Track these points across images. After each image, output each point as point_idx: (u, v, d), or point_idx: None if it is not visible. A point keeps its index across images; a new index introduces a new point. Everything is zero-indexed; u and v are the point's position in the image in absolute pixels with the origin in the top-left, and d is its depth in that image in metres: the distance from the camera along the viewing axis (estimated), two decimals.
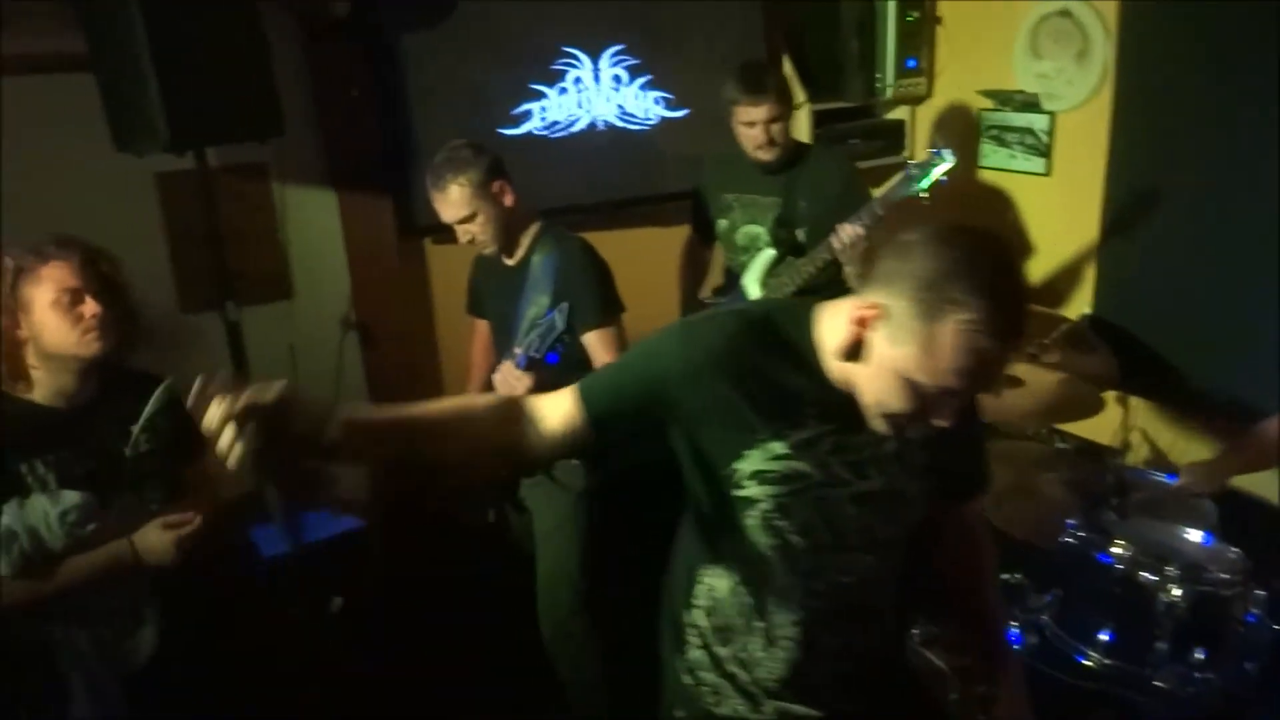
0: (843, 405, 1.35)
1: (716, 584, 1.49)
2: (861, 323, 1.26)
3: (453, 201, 2.41)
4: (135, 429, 2.00)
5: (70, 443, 1.93)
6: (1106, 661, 2.07)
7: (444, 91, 3.23)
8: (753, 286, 2.96)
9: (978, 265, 1.19)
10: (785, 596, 1.45)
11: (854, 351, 1.29)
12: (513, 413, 1.39)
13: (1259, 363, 2.88)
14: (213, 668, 2.13)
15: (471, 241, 2.49)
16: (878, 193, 2.75)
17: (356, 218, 3.31)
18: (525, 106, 3.34)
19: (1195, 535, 2.18)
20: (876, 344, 1.26)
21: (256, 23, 2.53)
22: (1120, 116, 3.24)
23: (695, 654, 1.54)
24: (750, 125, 2.79)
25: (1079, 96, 3.37)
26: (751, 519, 1.40)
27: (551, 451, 1.42)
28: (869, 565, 1.48)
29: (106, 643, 1.96)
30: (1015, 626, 2.25)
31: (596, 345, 2.48)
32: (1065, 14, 3.34)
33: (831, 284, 2.77)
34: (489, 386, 2.67)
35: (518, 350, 2.34)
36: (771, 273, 2.94)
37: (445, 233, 2.56)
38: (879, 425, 1.32)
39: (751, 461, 1.36)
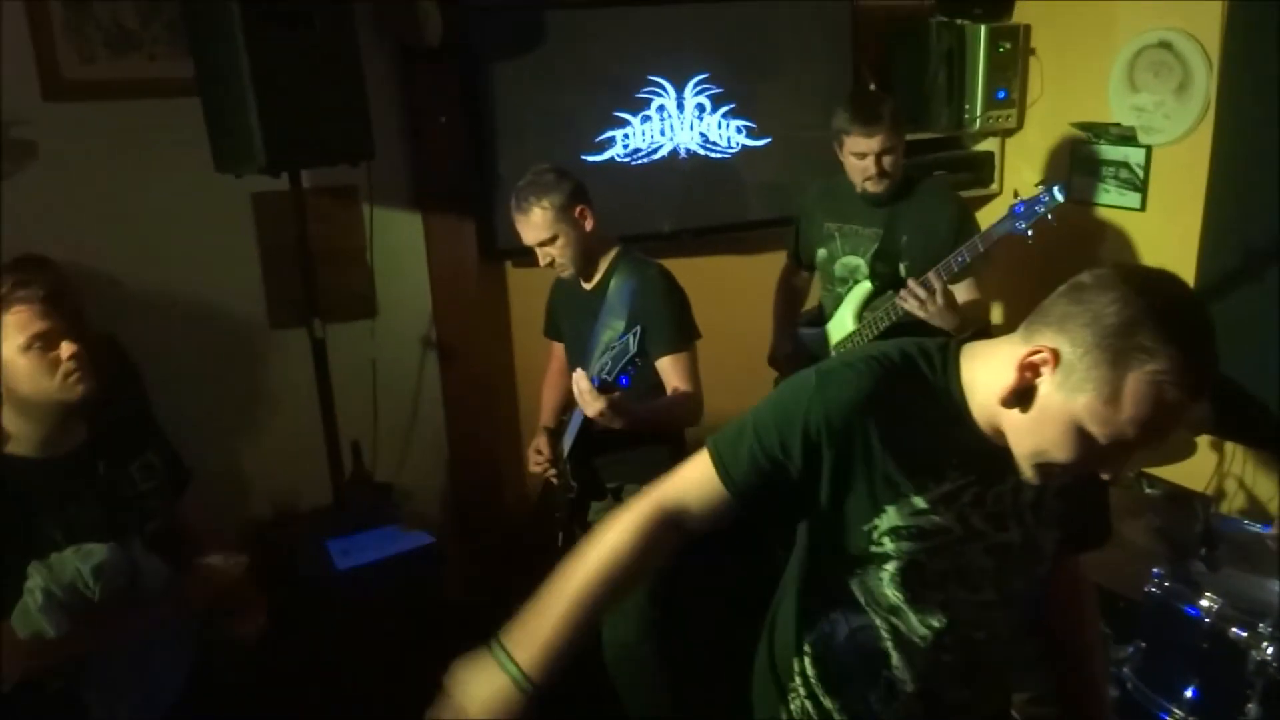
0: (986, 454, 1.29)
1: (834, 630, 1.42)
2: (1032, 369, 1.18)
3: (535, 224, 2.45)
4: (133, 468, 1.97)
5: (72, 494, 1.85)
6: (1191, 719, 1.97)
7: (530, 117, 3.30)
8: (848, 319, 2.93)
9: (1171, 313, 1.12)
10: (913, 649, 1.38)
11: (1020, 398, 1.20)
12: (658, 533, 1.30)
13: None
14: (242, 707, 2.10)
15: (551, 264, 2.53)
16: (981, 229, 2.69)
17: (440, 239, 3.39)
18: (609, 133, 3.38)
19: None
20: (1046, 391, 1.18)
21: (354, 50, 2.63)
22: (1221, 152, 3.12)
23: (800, 703, 1.46)
24: (861, 156, 2.74)
25: (1178, 131, 3.27)
26: (885, 573, 1.35)
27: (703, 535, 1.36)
28: (999, 620, 1.42)
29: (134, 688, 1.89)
30: None
31: (670, 370, 2.49)
32: (1165, 45, 3.25)
33: (927, 322, 2.72)
34: (563, 409, 2.70)
35: (591, 377, 2.35)
36: (868, 306, 2.90)
37: (525, 256, 2.60)
38: (1030, 475, 1.25)
39: (890, 518, 1.30)
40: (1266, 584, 2.11)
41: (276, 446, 3.23)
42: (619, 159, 3.41)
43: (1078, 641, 1.60)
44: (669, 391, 2.49)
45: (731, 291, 3.43)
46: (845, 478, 1.29)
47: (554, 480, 2.70)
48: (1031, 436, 1.21)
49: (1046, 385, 1.17)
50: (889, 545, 1.31)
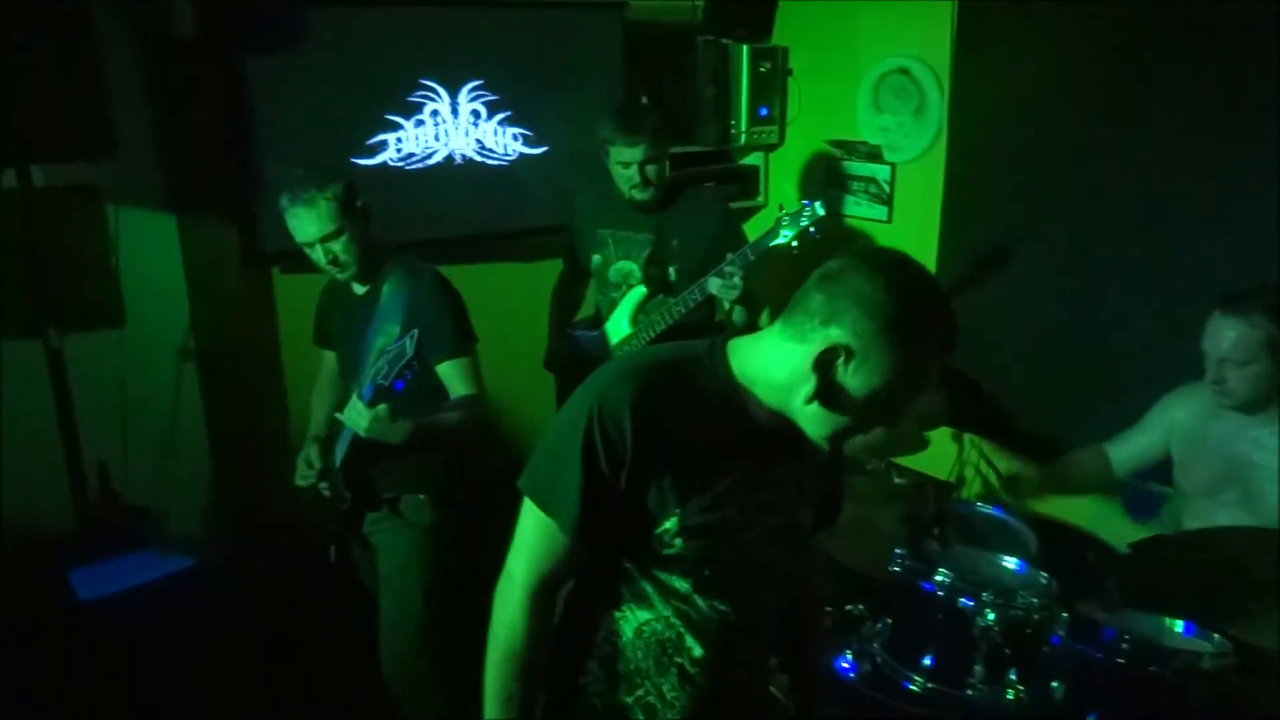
0: (764, 443, 1.36)
1: (620, 627, 1.45)
2: (828, 366, 1.26)
3: (319, 215, 2.32)
4: None
5: None
6: (930, 685, 2.16)
7: (296, 117, 3.16)
8: (623, 322, 3.00)
9: (928, 287, 1.27)
10: (703, 633, 1.43)
11: (825, 395, 1.27)
12: (544, 610, 1.43)
13: (1083, 406, 3.09)
14: None
15: (334, 262, 2.41)
16: (751, 239, 2.84)
17: (198, 243, 3.18)
18: (380, 137, 3.30)
19: (1010, 562, 2.31)
20: (844, 381, 1.26)
21: (87, 37, 2.43)
22: (954, 168, 3.45)
23: (589, 702, 1.48)
24: (626, 165, 2.83)
25: (917, 149, 3.58)
26: (676, 569, 1.40)
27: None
28: (779, 600, 1.52)
29: None
30: (850, 655, 2.33)
31: (453, 375, 2.46)
32: (904, 71, 3.55)
33: (703, 323, 2.84)
34: (333, 421, 2.60)
35: (364, 383, 2.29)
36: (642, 310, 2.98)
37: (293, 260, 2.49)
38: (825, 445, 1.34)
39: (680, 518, 1.35)
40: (990, 557, 2.35)
41: (12, 468, 2.92)
42: (392, 163, 3.33)
43: (805, 614, 1.71)
44: (451, 396, 2.46)
45: (508, 297, 3.43)
46: (639, 485, 1.33)
47: (325, 493, 2.61)
48: (832, 421, 1.29)
49: (844, 376, 1.26)
50: (680, 545, 1.36)
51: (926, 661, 2.18)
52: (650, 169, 2.83)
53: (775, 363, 1.31)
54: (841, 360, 1.24)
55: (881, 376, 1.24)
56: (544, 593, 1.42)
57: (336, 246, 2.38)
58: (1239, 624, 1.85)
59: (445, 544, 2.59)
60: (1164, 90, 2.84)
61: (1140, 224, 2.95)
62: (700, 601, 1.42)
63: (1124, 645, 1.99)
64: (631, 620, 1.44)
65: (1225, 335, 2.25)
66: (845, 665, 2.30)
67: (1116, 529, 2.92)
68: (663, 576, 1.41)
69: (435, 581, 2.57)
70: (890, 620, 2.31)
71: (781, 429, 1.35)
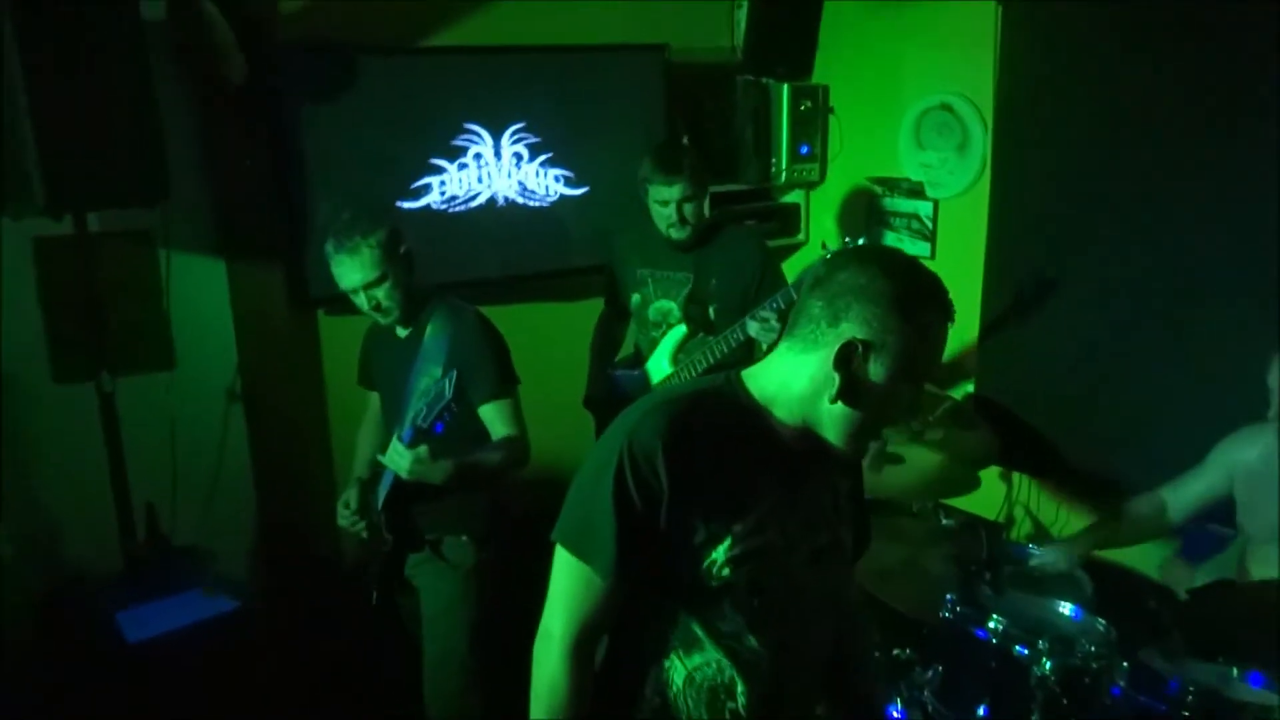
0: (794, 463, 1.38)
1: (670, 677, 1.42)
2: (850, 362, 1.29)
3: (364, 262, 2.35)
4: None
5: None
6: None
7: (342, 162, 3.22)
8: (664, 362, 2.99)
9: (912, 263, 1.34)
10: (755, 671, 1.41)
11: (850, 392, 1.30)
12: (585, 665, 1.40)
13: (1133, 442, 3.01)
14: None
15: (376, 308, 2.43)
16: (791, 278, 2.82)
17: (247, 287, 3.24)
18: (425, 180, 3.35)
19: (1066, 608, 2.24)
20: (867, 374, 1.29)
21: (147, 85, 2.49)
22: (999, 204, 3.42)
23: None
24: (664, 204, 2.85)
25: (960, 185, 3.55)
26: (726, 603, 1.38)
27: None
28: (824, 626, 1.49)
29: None
30: (900, 702, 2.27)
31: (495, 416, 2.46)
32: (946, 108, 3.53)
33: (743, 363, 2.81)
34: (376, 462, 2.61)
35: (405, 425, 2.30)
36: (683, 349, 2.97)
37: (338, 304, 2.51)
38: (851, 449, 1.36)
39: (727, 546, 1.34)
40: (1046, 603, 2.28)
41: (62, 511, 2.97)
42: (435, 206, 3.38)
43: (852, 644, 1.66)
44: (493, 438, 2.46)
45: (550, 337, 3.44)
46: (680, 519, 1.33)
47: (363, 535, 2.61)
48: (856, 420, 1.32)
49: (865, 368, 1.29)
50: (729, 573, 1.35)
51: (981, 711, 2.12)
52: (688, 207, 2.84)
53: (793, 377, 1.34)
54: (860, 352, 1.27)
55: (900, 358, 1.28)
56: (584, 646, 1.40)
57: (380, 293, 2.40)
58: None
59: (488, 585, 2.57)
60: (1211, 125, 2.79)
61: (1189, 259, 2.88)
62: (751, 640, 1.40)
63: (1189, 697, 1.91)
64: (681, 668, 1.41)
65: None
66: (896, 714, 2.24)
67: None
68: (712, 615, 1.39)
69: (479, 623, 2.55)
70: (941, 667, 2.25)
71: (809, 446, 1.37)
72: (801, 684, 1.47)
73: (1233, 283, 2.77)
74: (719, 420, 1.36)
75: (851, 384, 1.29)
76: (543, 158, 3.53)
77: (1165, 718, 1.93)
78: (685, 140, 3.69)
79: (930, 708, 2.22)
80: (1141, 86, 2.95)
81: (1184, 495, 2.54)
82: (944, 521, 3.04)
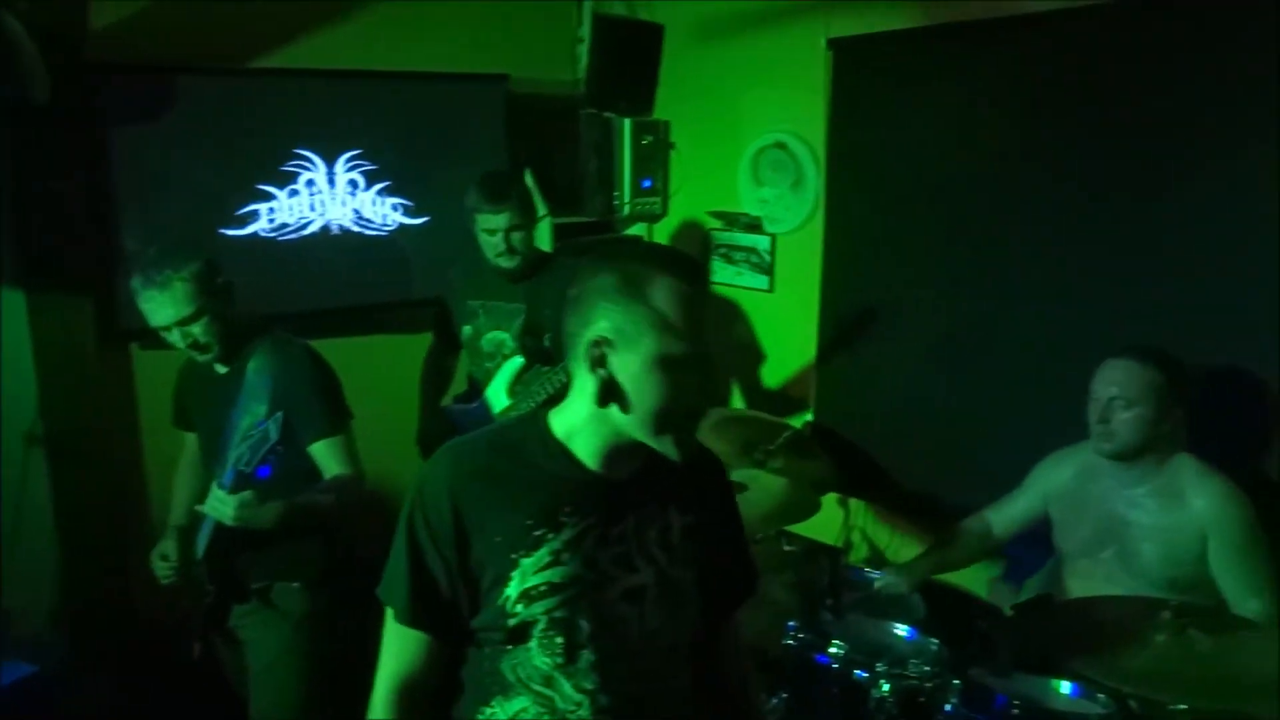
0: (602, 495, 1.36)
1: None
2: (599, 360, 1.29)
3: (175, 297, 2.20)
4: None
5: None
6: None
7: (160, 187, 3.03)
8: (500, 395, 2.93)
9: (639, 249, 1.42)
10: (575, 716, 1.36)
11: (609, 391, 1.30)
12: (407, 712, 1.37)
13: (964, 466, 3.16)
14: None
15: (193, 345, 2.28)
16: None
17: (50, 320, 2.98)
18: (251, 207, 3.19)
19: (901, 630, 2.30)
20: (620, 366, 1.29)
21: None
22: (832, 239, 3.55)
23: None
24: (491, 233, 2.82)
25: (796, 220, 3.67)
26: (532, 642, 1.34)
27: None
28: (657, 673, 1.42)
29: None
30: None
31: (325, 455, 2.34)
32: (781, 146, 3.65)
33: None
34: (194, 509, 2.43)
35: (226, 469, 2.15)
36: (520, 380, 2.92)
37: (153, 337, 2.34)
38: (670, 449, 1.33)
39: (518, 582, 1.32)
40: (883, 626, 2.34)
41: None
42: (264, 234, 3.22)
43: (739, 707, 1.61)
44: (325, 477, 2.34)
45: (389, 371, 3.32)
46: (472, 561, 1.33)
47: (185, 587, 2.42)
48: (640, 409, 1.30)
49: (617, 362, 1.29)
50: (524, 611, 1.32)
51: None
52: (515, 236, 2.83)
53: (578, 403, 1.35)
54: (607, 349, 1.28)
55: (648, 340, 1.27)
56: (404, 699, 1.37)
57: (195, 329, 2.25)
58: (1121, 683, 1.87)
59: (323, 635, 2.43)
60: (1029, 164, 2.98)
61: (1013, 290, 3.06)
62: (565, 684, 1.35)
63: (1015, 711, 1.99)
64: (502, 715, 1.37)
65: (1116, 375, 2.31)
66: None
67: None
68: (522, 657, 1.35)
69: (313, 674, 2.41)
70: (785, 695, 2.27)
71: (627, 479, 1.37)
72: None
73: (1056, 310, 2.94)
74: (516, 459, 1.36)
75: (610, 384, 1.29)
76: (380, 186, 3.43)
77: None
78: (528, 171, 3.67)
79: None
80: (963, 127, 3.13)
81: (1006, 516, 2.68)
82: (786, 548, 3.09)
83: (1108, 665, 1.84)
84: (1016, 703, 2.01)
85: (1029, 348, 3.02)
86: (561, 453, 1.36)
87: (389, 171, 3.44)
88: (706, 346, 1.32)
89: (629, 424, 1.32)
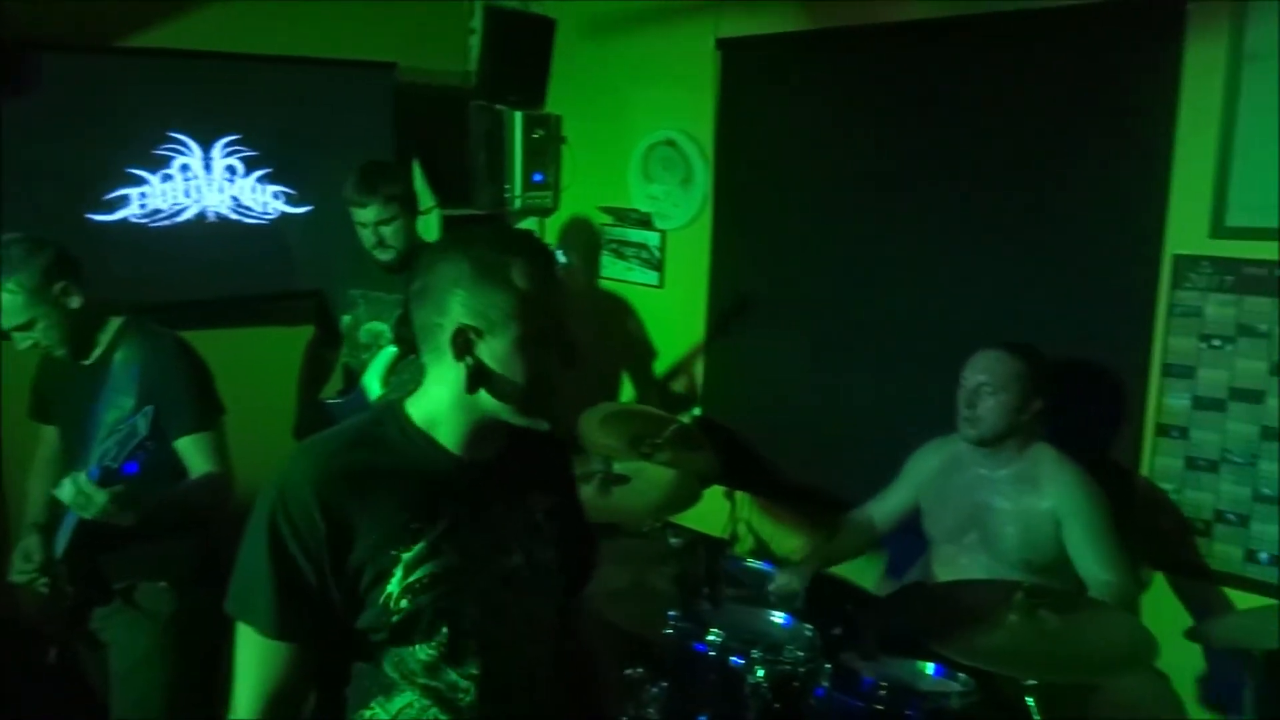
0: (471, 481, 1.35)
1: None
2: (465, 347, 1.29)
3: (4, 308, 2.12)
4: None
5: None
6: None
7: (19, 169, 2.87)
8: (374, 385, 2.88)
9: (488, 235, 1.35)
10: (460, 705, 1.34)
11: (479, 376, 1.30)
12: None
13: (846, 459, 3.25)
14: None
15: (36, 346, 2.20)
16: None
17: None
18: (121, 191, 3.05)
19: (778, 617, 2.37)
20: (486, 350, 1.29)
21: None
22: (720, 237, 3.60)
23: None
24: (363, 226, 2.80)
25: (685, 217, 3.71)
26: (414, 637, 1.31)
27: None
28: (534, 654, 1.43)
29: None
30: None
31: (193, 451, 2.26)
32: (670, 143, 3.69)
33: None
34: (53, 506, 2.32)
35: (91, 464, 2.06)
36: (394, 371, 2.87)
37: None
38: (539, 423, 1.36)
39: (398, 579, 1.29)
40: (759, 614, 2.40)
41: None
42: (134, 220, 3.09)
43: (582, 671, 1.65)
44: (192, 474, 2.26)
45: (270, 364, 3.23)
46: (346, 561, 1.28)
47: (43, 589, 2.31)
48: (510, 391, 1.31)
49: (485, 348, 1.29)
50: (409, 604, 1.30)
51: None
52: (385, 230, 2.81)
53: (442, 391, 1.34)
54: (473, 336, 1.29)
55: (511, 323, 1.28)
56: (274, 713, 1.30)
57: (35, 333, 2.17)
58: (979, 662, 1.97)
59: (192, 636, 2.35)
60: (908, 165, 3.09)
61: (891, 286, 3.16)
62: (450, 673, 1.34)
63: (881, 692, 2.07)
64: (384, 715, 1.34)
65: (984, 363, 2.45)
66: None
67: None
68: (403, 653, 1.33)
69: (178, 680, 2.33)
70: (666, 683, 2.30)
71: (490, 464, 1.37)
72: (517, 712, 1.43)
73: (934, 306, 3.05)
74: (379, 452, 1.32)
75: (479, 370, 1.30)
76: (260, 173, 3.33)
77: (862, 713, 2.08)
78: (416, 162, 3.62)
79: None
80: (846, 128, 3.22)
81: (885, 507, 2.78)
82: (671, 540, 3.13)
83: (967, 646, 1.93)
84: (883, 684, 2.09)
85: (909, 342, 3.12)
86: (426, 442, 1.35)
87: (269, 158, 3.34)
88: (562, 318, 1.34)
89: (497, 406, 1.33)
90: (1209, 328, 2.56)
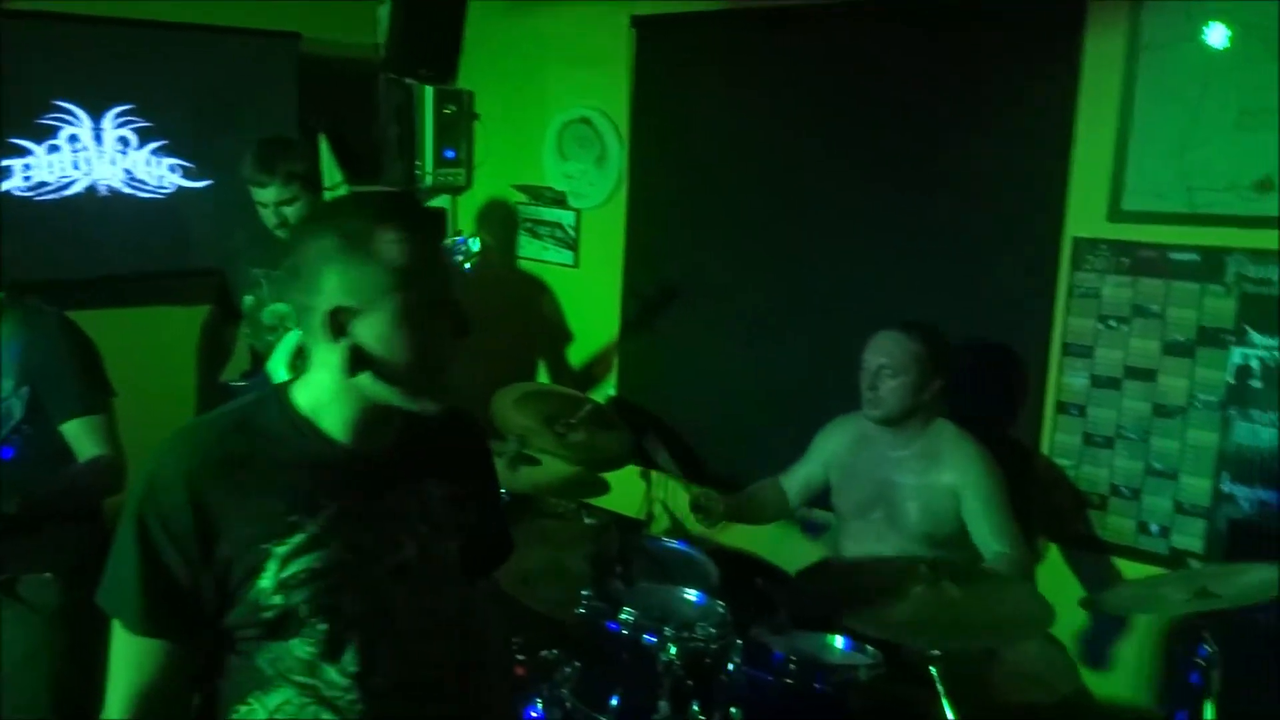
0: (360, 471, 1.29)
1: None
2: (338, 330, 1.22)
3: None
4: None
5: None
6: None
7: None
8: (280, 370, 2.79)
9: (354, 207, 1.30)
10: (341, 703, 1.28)
11: (357, 359, 1.23)
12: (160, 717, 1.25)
13: (759, 437, 3.27)
14: None
15: None
16: None
17: None
18: (4, 162, 2.89)
19: (691, 595, 2.37)
20: (364, 329, 1.22)
21: None
22: (635, 216, 3.59)
23: None
24: (264, 205, 2.72)
25: (600, 196, 3.69)
26: (290, 633, 1.25)
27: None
28: (427, 649, 1.36)
29: None
30: (540, 702, 2.27)
31: (81, 435, 2.15)
32: (585, 121, 3.65)
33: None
34: None
35: None
36: (300, 354, 2.80)
37: None
38: (427, 405, 1.28)
39: (271, 573, 1.22)
40: (673, 592, 2.40)
41: None
42: (18, 192, 2.93)
43: (490, 664, 1.60)
44: (79, 459, 2.16)
45: (166, 346, 3.11)
46: (217, 552, 1.21)
47: None
48: (393, 371, 1.24)
49: (360, 327, 1.22)
50: (283, 601, 1.23)
51: (614, 702, 2.17)
52: (287, 210, 2.74)
53: (320, 376, 1.28)
54: (347, 317, 1.22)
55: (389, 299, 1.21)
56: (145, 710, 1.24)
57: None
58: (885, 634, 2.01)
59: (81, 631, 2.25)
60: (820, 148, 3.12)
61: (802, 266, 3.19)
62: (329, 671, 1.28)
63: (791, 665, 2.10)
64: (261, 711, 1.28)
65: (884, 345, 2.50)
66: (535, 714, 2.25)
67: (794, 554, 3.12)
68: (278, 649, 1.27)
69: (65, 676, 2.22)
70: (579, 664, 2.29)
71: (381, 452, 1.31)
72: (411, 710, 1.36)
73: (844, 287, 3.09)
74: (254, 440, 1.26)
75: (357, 352, 1.23)
76: (155, 145, 3.18)
77: (772, 687, 2.10)
78: (322, 137, 3.51)
79: (569, 704, 2.25)
80: (760, 109, 3.23)
81: (794, 482, 2.83)
82: (586, 521, 3.12)
83: (873, 619, 1.96)
84: (793, 658, 2.12)
85: (821, 321, 3.15)
86: (310, 430, 1.28)
87: (165, 130, 3.20)
88: (448, 288, 1.27)
89: (382, 390, 1.26)
90: (1106, 308, 2.65)
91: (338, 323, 1.22)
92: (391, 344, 1.23)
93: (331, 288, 1.22)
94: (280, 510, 1.23)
